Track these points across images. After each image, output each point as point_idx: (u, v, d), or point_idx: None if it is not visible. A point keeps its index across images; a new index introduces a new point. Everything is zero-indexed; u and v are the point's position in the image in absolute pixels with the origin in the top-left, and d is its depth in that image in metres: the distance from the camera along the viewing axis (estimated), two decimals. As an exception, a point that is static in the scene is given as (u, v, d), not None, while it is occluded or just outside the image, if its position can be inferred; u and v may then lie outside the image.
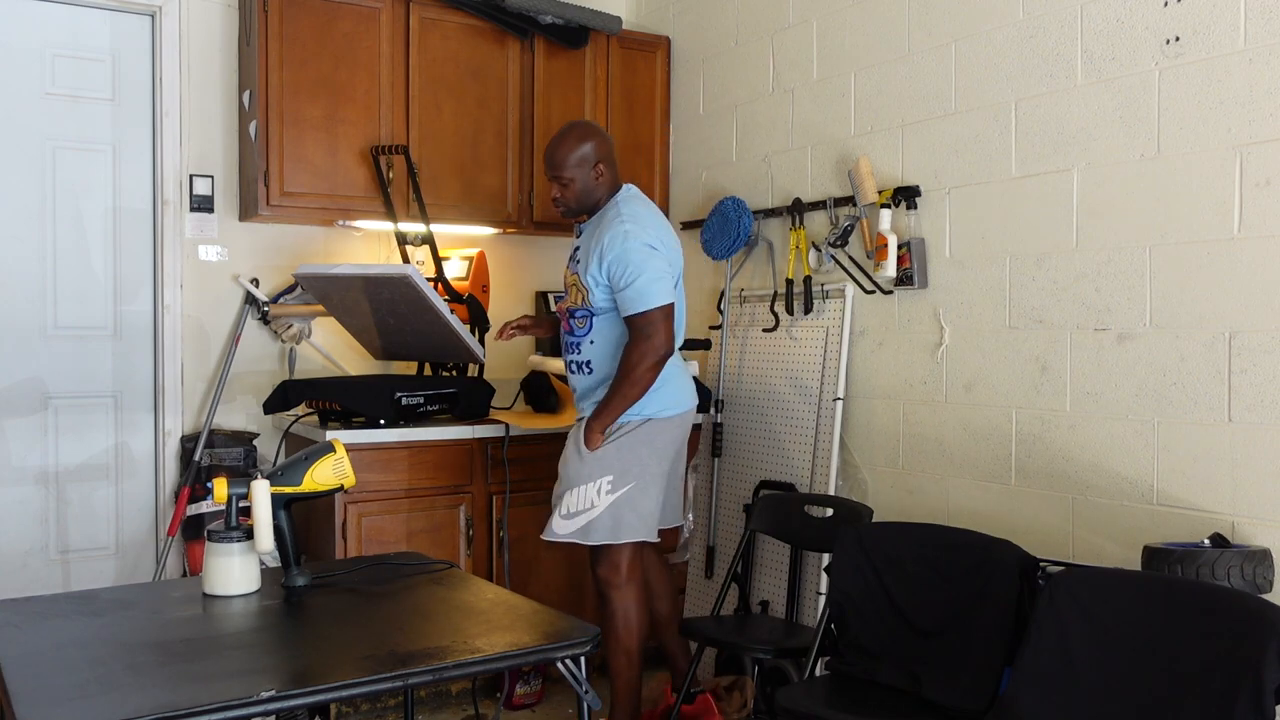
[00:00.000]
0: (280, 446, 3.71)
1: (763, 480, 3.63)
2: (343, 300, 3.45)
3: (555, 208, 3.10)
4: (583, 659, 1.83)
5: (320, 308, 3.66)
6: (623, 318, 2.94)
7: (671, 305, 2.92)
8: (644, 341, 2.88)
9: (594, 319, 3.02)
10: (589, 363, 3.06)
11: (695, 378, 3.82)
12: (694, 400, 3.14)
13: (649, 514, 3.00)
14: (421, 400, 3.43)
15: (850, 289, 3.44)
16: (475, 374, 3.76)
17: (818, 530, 3.12)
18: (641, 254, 2.87)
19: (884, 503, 3.29)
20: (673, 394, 3.04)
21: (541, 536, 3.06)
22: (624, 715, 3.02)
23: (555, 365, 3.85)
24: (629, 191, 3.08)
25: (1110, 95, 2.70)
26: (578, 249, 3.07)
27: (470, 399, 3.59)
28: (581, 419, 3.08)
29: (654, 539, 3.04)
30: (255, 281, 3.76)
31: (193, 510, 3.47)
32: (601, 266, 2.92)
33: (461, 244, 4.02)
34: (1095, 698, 2.14)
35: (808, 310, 3.53)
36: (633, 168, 4.23)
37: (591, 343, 3.04)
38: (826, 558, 2.94)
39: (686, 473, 3.47)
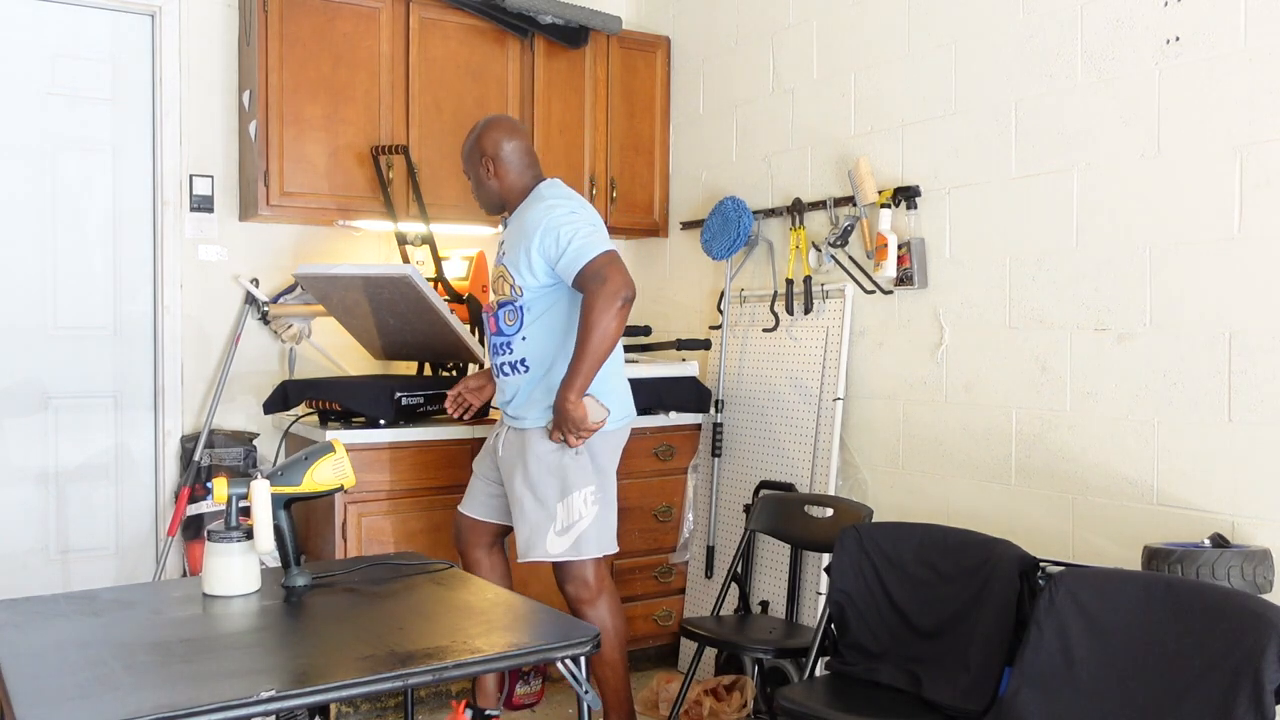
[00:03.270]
0: (280, 446, 3.71)
1: (763, 480, 3.63)
2: (343, 300, 3.45)
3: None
4: (583, 659, 1.83)
5: (320, 308, 3.66)
6: (571, 285, 2.74)
7: (615, 252, 2.72)
8: (600, 287, 2.65)
9: (524, 313, 2.82)
10: (523, 361, 2.85)
11: (695, 378, 3.84)
12: (634, 409, 3.02)
13: (613, 525, 2.92)
14: (421, 400, 3.43)
15: (850, 289, 3.44)
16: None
17: (818, 530, 3.11)
18: (569, 218, 2.74)
19: (884, 503, 3.29)
20: (625, 402, 2.94)
21: (523, 559, 2.87)
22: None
23: (555, 365, 3.85)
24: (552, 182, 2.93)
25: (1110, 95, 2.70)
26: (503, 243, 2.94)
27: None
28: (519, 429, 2.88)
29: (615, 550, 2.96)
30: (255, 281, 3.76)
31: (193, 510, 3.47)
32: (532, 248, 2.75)
33: (461, 244, 4.01)
34: (1095, 698, 2.14)
35: (808, 310, 3.53)
36: (633, 168, 4.23)
37: (523, 339, 2.83)
38: (826, 558, 2.94)
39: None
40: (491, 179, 2.92)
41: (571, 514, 2.82)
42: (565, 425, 2.73)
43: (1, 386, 3.50)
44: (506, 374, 2.90)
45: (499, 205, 2.97)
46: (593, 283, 2.68)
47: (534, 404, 2.84)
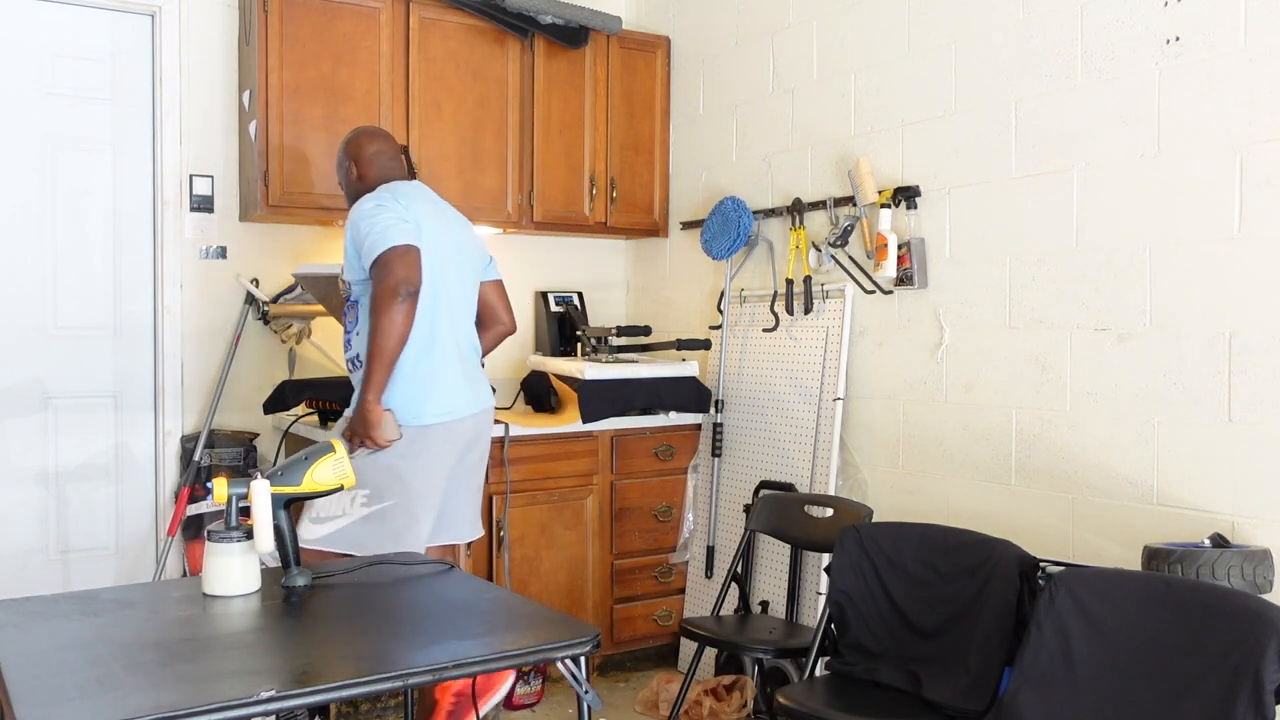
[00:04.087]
0: (280, 446, 3.71)
1: (763, 480, 3.63)
2: (342, 300, 3.45)
3: None
4: (583, 659, 1.83)
5: (320, 308, 3.65)
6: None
7: (408, 246, 2.66)
8: (381, 282, 2.62)
9: (358, 310, 2.82)
10: (358, 357, 2.82)
11: (695, 378, 3.84)
12: (474, 406, 2.88)
13: (405, 531, 2.77)
14: None
15: (850, 289, 3.44)
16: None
17: (818, 530, 3.11)
18: (373, 213, 2.72)
19: (884, 503, 3.29)
20: (444, 400, 2.81)
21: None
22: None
23: (555, 365, 3.85)
24: (393, 184, 2.89)
25: (1110, 95, 2.70)
26: None
27: None
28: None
29: (459, 541, 2.90)
30: (255, 281, 3.76)
31: (193, 510, 3.47)
32: (348, 243, 2.78)
33: (461, 244, 4.01)
34: (1095, 698, 2.14)
35: (808, 310, 3.53)
36: (633, 168, 4.23)
37: (358, 334, 2.82)
38: (826, 558, 2.94)
39: (485, 482, 3.19)
40: (355, 180, 2.98)
41: (332, 508, 2.74)
42: (358, 427, 2.69)
43: (1, 386, 3.50)
44: (352, 371, 2.90)
45: None
46: (376, 277, 2.65)
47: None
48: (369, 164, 2.97)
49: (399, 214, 2.72)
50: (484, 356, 3.09)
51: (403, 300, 2.62)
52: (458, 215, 3.03)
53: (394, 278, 2.61)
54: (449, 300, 2.85)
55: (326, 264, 3.47)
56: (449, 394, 2.82)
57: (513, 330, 3.18)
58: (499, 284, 3.14)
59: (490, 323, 3.13)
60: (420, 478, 2.79)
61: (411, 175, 3.05)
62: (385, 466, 2.75)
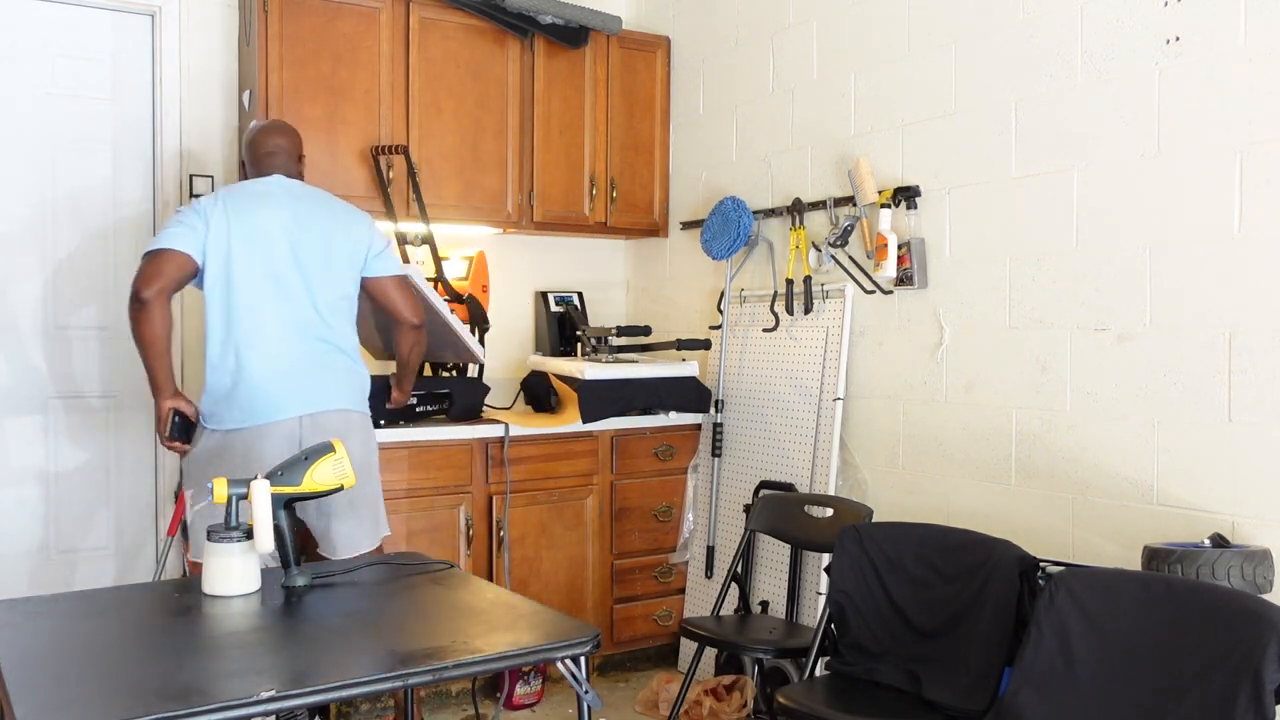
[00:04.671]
0: (280, 446, 3.71)
1: (763, 480, 3.63)
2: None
3: None
4: (583, 659, 1.83)
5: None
6: None
7: (159, 251, 2.66)
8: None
9: None
10: None
11: (695, 378, 3.84)
12: (251, 419, 2.70)
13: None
14: (414, 400, 3.41)
15: (850, 289, 3.44)
16: (477, 373, 3.76)
17: (818, 530, 3.12)
18: (172, 215, 2.79)
19: (884, 503, 3.29)
20: (223, 407, 2.72)
21: None
22: None
23: (555, 365, 3.85)
24: (233, 184, 2.89)
25: (1110, 95, 2.70)
26: None
27: (465, 399, 3.56)
28: None
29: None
30: (255, 281, 3.75)
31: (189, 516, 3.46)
32: None
33: (461, 244, 4.02)
34: (1095, 698, 2.14)
35: (808, 310, 3.53)
36: (633, 168, 4.23)
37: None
38: (826, 558, 2.94)
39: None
40: (241, 179, 2.99)
41: (185, 508, 2.81)
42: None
43: (1, 386, 3.50)
44: None
45: None
46: None
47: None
48: (248, 163, 2.95)
49: (189, 222, 2.72)
50: (411, 357, 3.01)
51: (131, 302, 2.64)
52: (323, 210, 2.85)
53: (132, 285, 2.65)
54: (251, 301, 2.73)
55: None
56: (214, 402, 2.75)
57: (414, 323, 2.97)
58: (394, 280, 2.93)
59: (392, 322, 3.00)
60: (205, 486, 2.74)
61: (287, 168, 2.92)
62: (196, 465, 2.76)
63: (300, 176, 2.97)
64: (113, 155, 3.65)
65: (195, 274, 2.73)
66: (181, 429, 2.76)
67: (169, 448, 2.80)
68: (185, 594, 2.11)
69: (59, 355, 3.58)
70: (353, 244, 2.86)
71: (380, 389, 3.38)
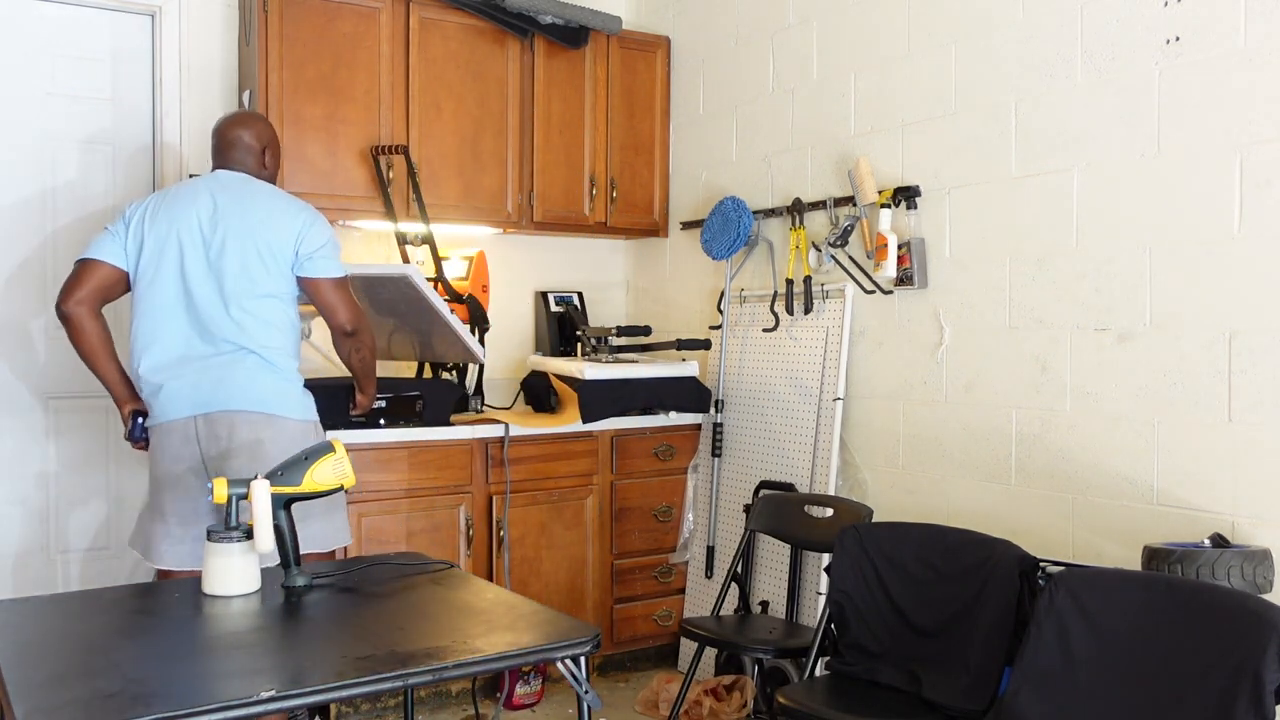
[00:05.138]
0: (280, 446, 3.70)
1: (763, 480, 3.63)
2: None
3: None
4: (583, 659, 1.83)
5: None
6: None
7: (80, 261, 2.69)
8: None
9: None
10: None
11: (695, 378, 3.83)
12: (172, 413, 2.66)
13: (147, 535, 2.69)
14: (381, 404, 3.30)
15: (850, 289, 3.44)
16: (475, 373, 3.76)
17: (818, 530, 3.12)
18: None
19: (884, 503, 3.29)
20: (150, 401, 2.71)
21: None
22: None
23: (555, 365, 3.85)
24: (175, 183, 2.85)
25: (1110, 95, 2.70)
26: None
27: (436, 401, 3.45)
28: None
29: (156, 565, 2.65)
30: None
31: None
32: None
33: (461, 244, 4.02)
34: (1095, 698, 2.14)
35: (808, 310, 3.53)
36: (633, 168, 4.23)
37: None
38: (826, 558, 2.94)
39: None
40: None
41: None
42: None
43: (1, 386, 3.50)
44: None
45: None
46: None
47: None
48: (211, 154, 2.87)
49: (113, 229, 2.74)
50: (354, 363, 2.89)
51: (57, 315, 2.68)
52: (250, 206, 2.72)
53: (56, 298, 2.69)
54: (157, 303, 2.69)
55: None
56: (153, 397, 2.70)
57: (346, 329, 2.80)
58: (330, 282, 2.77)
59: (329, 325, 2.86)
60: (151, 480, 2.74)
61: (242, 161, 2.83)
62: (151, 469, 2.76)
63: (265, 168, 2.86)
64: (113, 155, 3.65)
65: (123, 281, 2.73)
66: (145, 429, 2.79)
67: (136, 449, 2.83)
68: (185, 594, 2.11)
69: (59, 355, 3.58)
70: (279, 241, 2.70)
71: (346, 393, 3.28)
